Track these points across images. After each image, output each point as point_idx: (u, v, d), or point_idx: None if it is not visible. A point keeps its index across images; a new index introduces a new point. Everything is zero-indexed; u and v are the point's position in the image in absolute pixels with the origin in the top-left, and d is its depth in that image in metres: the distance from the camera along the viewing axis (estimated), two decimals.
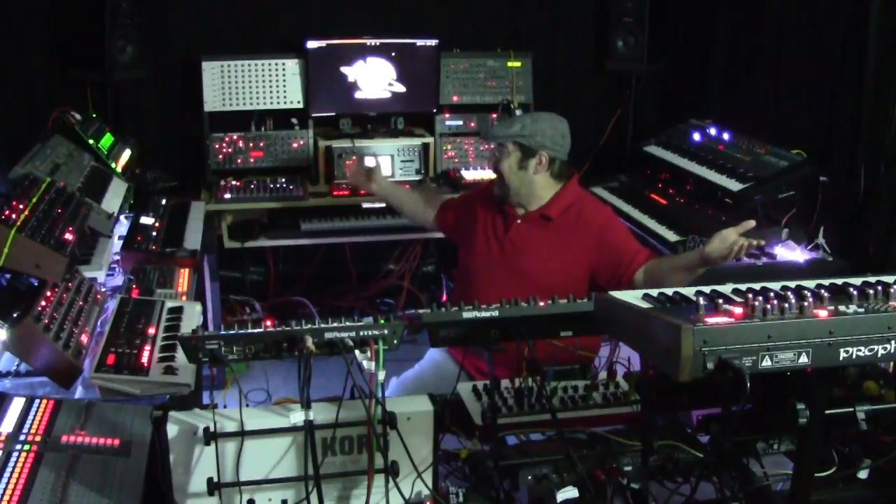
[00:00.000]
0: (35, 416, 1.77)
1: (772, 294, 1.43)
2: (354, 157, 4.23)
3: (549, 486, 1.79)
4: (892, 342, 1.34)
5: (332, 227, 4.12)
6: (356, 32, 4.37)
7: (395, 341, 1.68)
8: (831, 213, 3.45)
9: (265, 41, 4.47)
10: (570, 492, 1.77)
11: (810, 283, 1.50)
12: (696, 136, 4.03)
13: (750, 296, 1.44)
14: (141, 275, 2.81)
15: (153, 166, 4.13)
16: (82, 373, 2.15)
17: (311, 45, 4.26)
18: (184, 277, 2.89)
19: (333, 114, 4.44)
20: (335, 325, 1.65)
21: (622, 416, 2.05)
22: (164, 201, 3.67)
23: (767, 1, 4.07)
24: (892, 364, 1.92)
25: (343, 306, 4.67)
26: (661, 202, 3.86)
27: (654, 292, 1.54)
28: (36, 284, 2.25)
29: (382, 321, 1.67)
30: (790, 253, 3.31)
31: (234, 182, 4.15)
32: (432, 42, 4.40)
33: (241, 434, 1.63)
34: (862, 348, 1.33)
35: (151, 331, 2.37)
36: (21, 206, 2.37)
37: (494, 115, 4.40)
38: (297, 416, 1.64)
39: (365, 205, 4.20)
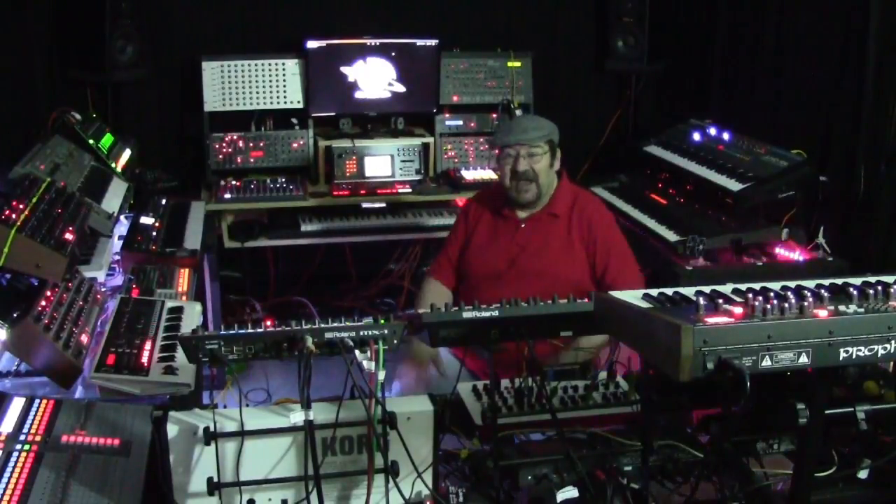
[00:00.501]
0: (35, 416, 1.77)
1: (772, 294, 1.43)
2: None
3: (549, 486, 1.79)
4: (892, 342, 1.34)
5: (332, 227, 4.12)
6: (356, 32, 4.38)
7: (395, 341, 1.68)
8: (831, 213, 3.46)
9: (265, 41, 4.47)
10: (570, 492, 1.77)
11: (810, 283, 1.50)
12: (696, 136, 4.03)
13: (750, 296, 1.43)
14: (141, 275, 2.81)
15: (153, 166, 4.13)
16: (82, 373, 2.15)
17: (311, 45, 4.26)
18: (184, 277, 2.89)
19: (333, 114, 4.44)
20: (335, 325, 1.65)
21: (622, 416, 2.05)
22: (164, 201, 3.67)
23: (767, 1, 4.07)
24: (892, 364, 1.92)
25: (343, 306, 4.67)
26: (661, 202, 3.86)
27: (654, 292, 1.54)
28: (36, 284, 2.25)
29: (382, 321, 1.67)
30: (790, 253, 3.31)
31: (234, 182, 4.16)
32: (432, 42, 4.41)
33: (241, 434, 1.63)
34: (862, 348, 1.33)
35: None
36: (21, 206, 2.37)
37: (494, 115, 4.41)
38: (297, 416, 1.63)
39: (365, 205, 4.20)
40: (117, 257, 3.02)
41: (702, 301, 1.38)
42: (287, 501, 1.68)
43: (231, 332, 1.64)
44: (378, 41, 4.37)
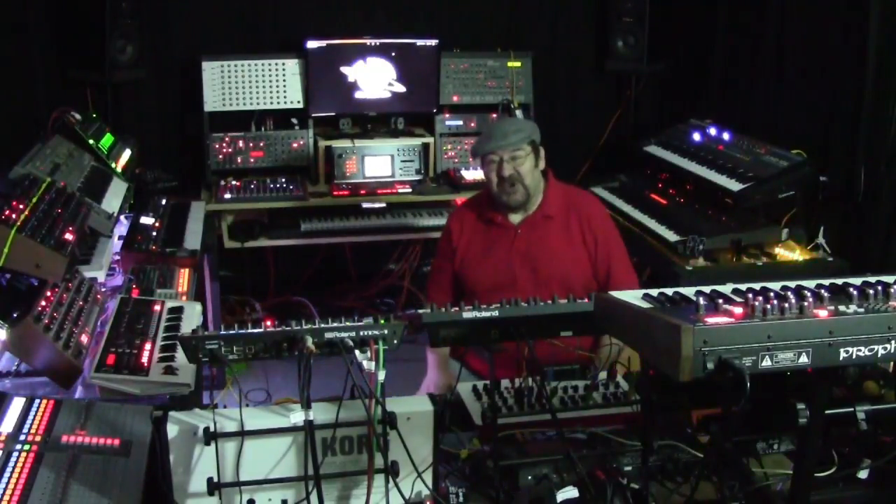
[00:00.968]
0: (35, 416, 1.77)
1: (772, 294, 1.43)
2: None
3: (549, 486, 1.79)
4: (892, 342, 1.34)
5: (332, 227, 4.12)
6: (356, 32, 4.38)
7: (395, 341, 1.68)
8: (831, 213, 3.45)
9: (265, 41, 4.47)
10: (570, 492, 1.77)
11: (810, 283, 1.50)
12: (696, 136, 4.03)
13: (750, 296, 1.44)
14: (141, 275, 2.81)
15: (153, 166, 4.13)
16: (82, 373, 2.15)
17: (311, 45, 4.26)
18: (184, 277, 2.89)
19: (333, 114, 4.44)
20: (335, 325, 1.65)
21: (622, 416, 2.05)
22: (164, 201, 3.67)
23: (767, 1, 4.07)
24: (892, 364, 1.92)
25: (343, 306, 4.67)
26: (661, 202, 3.86)
27: (654, 292, 1.54)
28: (36, 284, 2.25)
29: (382, 321, 1.67)
30: (790, 253, 3.31)
31: (234, 182, 4.16)
32: (432, 42, 4.41)
33: (241, 434, 1.63)
34: (862, 348, 1.33)
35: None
36: (21, 206, 2.37)
37: (494, 115, 4.40)
38: (297, 416, 1.64)
39: (365, 205, 4.20)
40: (117, 257, 3.02)
41: (702, 301, 1.38)
42: (287, 501, 1.68)
43: (231, 332, 1.64)
44: (378, 41, 4.37)
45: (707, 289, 1.55)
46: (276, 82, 4.34)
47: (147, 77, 4.34)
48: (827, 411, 1.54)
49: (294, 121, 4.39)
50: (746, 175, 3.48)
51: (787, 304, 1.36)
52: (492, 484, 1.81)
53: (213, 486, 1.62)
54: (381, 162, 4.33)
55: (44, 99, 4.07)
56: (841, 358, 1.33)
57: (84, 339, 2.25)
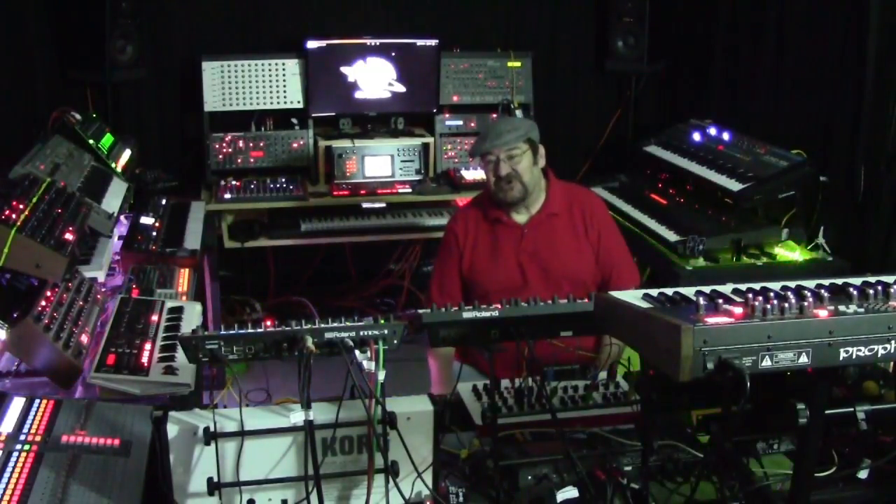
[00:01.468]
0: (35, 416, 1.77)
1: (772, 294, 1.43)
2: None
3: (549, 486, 1.79)
4: (892, 342, 1.34)
5: (332, 227, 4.12)
6: (356, 32, 4.38)
7: (395, 341, 1.67)
8: (831, 213, 3.45)
9: (265, 41, 4.47)
10: (570, 492, 1.77)
11: (810, 283, 1.50)
12: (696, 136, 4.03)
13: (750, 296, 1.43)
14: (141, 275, 2.81)
15: (153, 166, 4.13)
16: (82, 373, 2.15)
17: (311, 45, 4.26)
18: (184, 277, 2.89)
19: (333, 114, 4.44)
20: (335, 325, 1.65)
21: (622, 416, 2.05)
22: (164, 201, 3.67)
23: (767, 1, 4.07)
24: (892, 364, 1.92)
25: (343, 306, 4.67)
26: (661, 202, 3.86)
27: (654, 292, 1.54)
28: (36, 284, 2.25)
29: (382, 321, 1.67)
30: (790, 253, 3.31)
31: (234, 182, 4.16)
32: (432, 42, 4.41)
33: (241, 434, 1.63)
34: (862, 348, 1.33)
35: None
36: (21, 206, 2.37)
37: (494, 115, 4.40)
38: (297, 416, 1.63)
39: (365, 205, 4.21)
40: (117, 257, 3.02)
41: (702, 301, 1.38)
42: (287, 501, 1.68)
43: (231, 332, 1.64)
44: (378, 41, 4.37)
45: (707, 289, 1.55)
46: (276, 82, 4.34)
47: (147, 77, 4.34)
48: (827, 411, 1.54)
49: (294, 121, 4.39)
50: (746, 175, 3.48)
51: (787, 304, 1.36)
52: (492, 484, 1.81)
53: (213, 486, 1.62)
54: (381, 162, 4.33)
55: (44, 99, 4.07)
56: (841, 358, 1.33)
57: (84, 339, 2.25)
